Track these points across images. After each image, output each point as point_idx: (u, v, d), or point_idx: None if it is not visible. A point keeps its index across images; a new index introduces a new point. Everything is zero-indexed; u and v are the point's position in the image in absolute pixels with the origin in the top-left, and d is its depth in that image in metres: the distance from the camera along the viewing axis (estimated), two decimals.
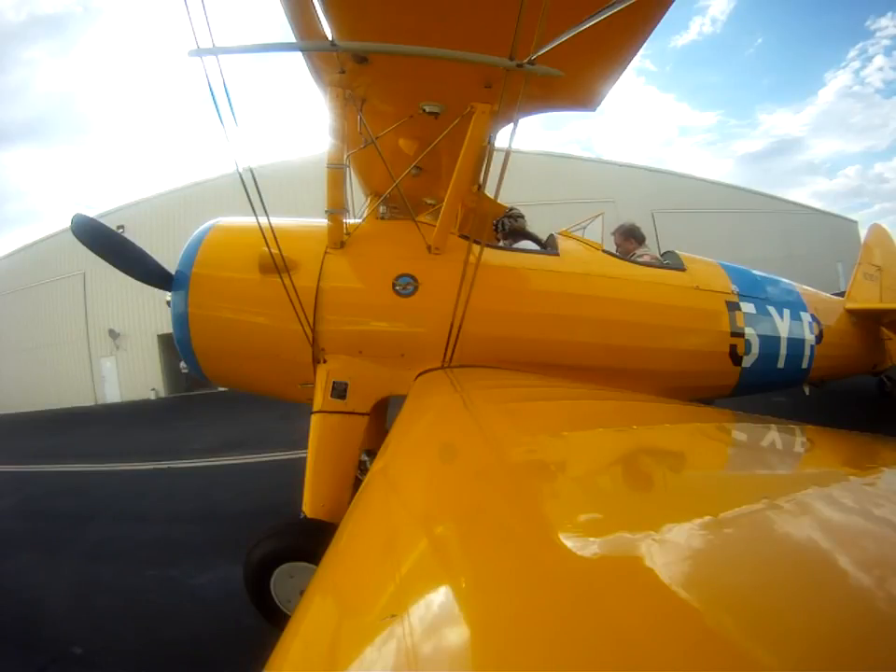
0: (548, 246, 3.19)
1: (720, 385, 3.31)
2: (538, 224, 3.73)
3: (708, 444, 1.34)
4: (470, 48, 1.85)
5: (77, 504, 5.21)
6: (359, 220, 3.06)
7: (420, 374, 2.55)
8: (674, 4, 1.79)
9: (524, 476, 1.00)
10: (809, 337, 3.64)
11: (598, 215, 3.24)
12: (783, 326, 3.48)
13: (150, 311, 17.73)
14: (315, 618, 0.69)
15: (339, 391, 2.62)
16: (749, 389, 3.44)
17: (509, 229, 3.56)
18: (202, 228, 2.97)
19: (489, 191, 2.69)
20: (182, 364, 3.01)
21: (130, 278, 2.93)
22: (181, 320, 2.77)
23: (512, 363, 2.71)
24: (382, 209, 3.32)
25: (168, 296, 2.89)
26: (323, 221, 2.76)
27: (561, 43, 1.71)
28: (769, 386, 3.67)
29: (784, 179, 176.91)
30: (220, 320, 2.79)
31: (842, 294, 4.95)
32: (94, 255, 2.78)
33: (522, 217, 3.64)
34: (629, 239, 3.81)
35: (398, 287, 2.69)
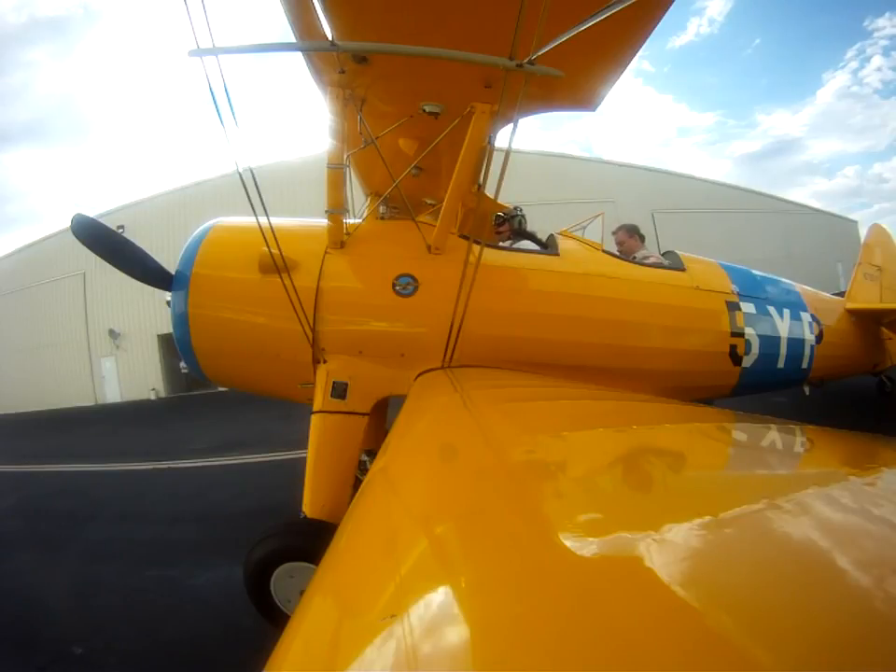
0: (548, 246, 3.19)
1: (720, 384, 3.31)
2: (538, 224, 3.73)
3: (708, 444, 1.34)
4: (470, 48, 1.85)
5: (77, 504, 5.21)
6: (359, 220, 3.06)
7: (420, 374, 2.55)
8: (672, 4, 1.80)
9: (524, 476, 1.00)
10: (809, 337, 3.64)
11: (598, 215, 3.25)
12: (783, 326, 3.48)
13: (150, 311, 17.72)
14: (315, 618, 0.69)
15: (339, 391, 2.62)
16: (748, 389, 3.44)
17: (517, 228, 3.56)
18: (202, 228, 2.97)
19: (489, 191, 2.69)
20: (182, 364, 3.02)
21: (130, 278, 2.93)
22: (181, 320, 2.77)
23: (513, 363, 2.71)
24: (382, 209, 3.32)
25: (168, 296, 2.89)
26: (323, 221, 2.76)
27: (561, 43, 1.71)
28: (769, 386, 3.67)
29: (783, 180, 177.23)
30: (220, 320, 2.79)
31: (842, 294, 4.95)
32: (94, 255, 2.79)
33: (524, 217, 3.65)
34: (633, 236, 3.80)
35: (398, 287, 2.69)
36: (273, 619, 2.25)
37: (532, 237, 3.43)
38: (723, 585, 0.55)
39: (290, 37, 1.96)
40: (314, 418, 2.61)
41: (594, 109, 2.45)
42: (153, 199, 19.59)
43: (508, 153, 2.18)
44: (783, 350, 3.46)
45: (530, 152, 19.41)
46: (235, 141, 2.00)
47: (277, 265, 2.44)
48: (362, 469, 3.03)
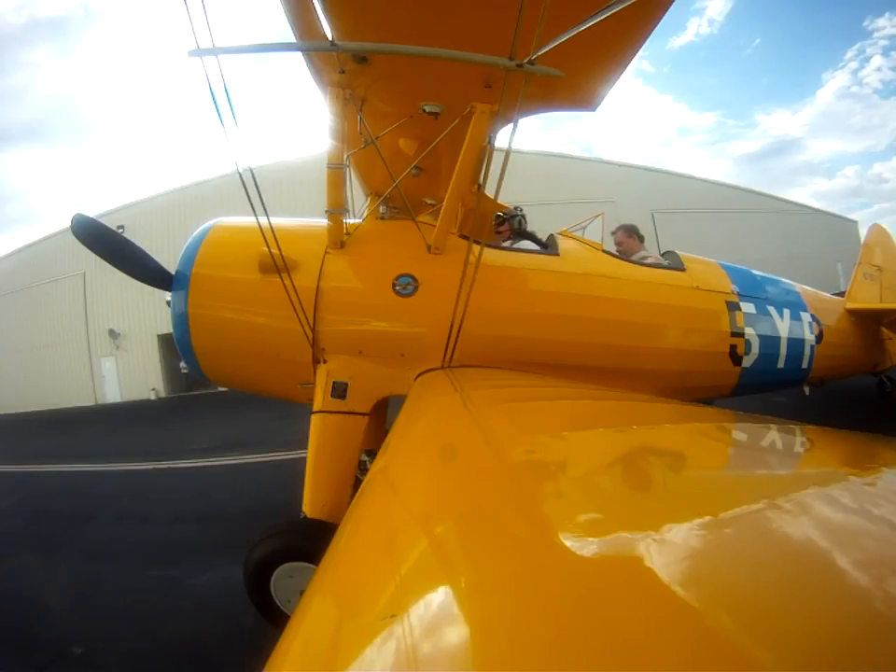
0: (548, 246, 3.19)
1: (720, 384, 3.31)
2: (538, 224, 3.73)
3: (708, 444, 1.34)
4: (470, 48, 1.85)
5: (77, 504, 5.21)
6: (359, 220, 3.07)
7: (420, 374, 2.55)
8: (672, 4, 1.80)
9: (524, 476, 1.00)
10: (809, 337, 3.64)
11: (598, 215, 3.25)
12: (783, 326, 3.48)
13: (150, 311, 17.72)
14: (315, 618, 0.69)
15: (339, 391, 2.62)
16: (748, 389, 3.44)
17: (517, 228, 3.55)
18: (202, 228, 2.97)
19: (489, 191, 2.69)
20: (182, 364, 3.02)
21: (130, 278, 2.93)
22: (181, 320, 2.78)
23: (513, 363, 2.71)
24: (382, 209, 3.32)
25: (168, 296, 2.89)
26: (323, 221, 2.76)
27: (561, 43, 1.71)
28: (769, 386, 3.67)
29: (783, 180, 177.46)
30: (220, 320, 2.79)
31: (842, 294, 4.95)
32: (94, 255, 2.79)
33: (524, 217, 3.65)
34: (632, 236, 3.80)
35: (397, 287, 2.69)
36: (273, 619, 2.25)
37: (532, 237, 3.43)
38: (723, 585, 0.55)
39: (290, 37, 1.96)
40: (314, 418, 2.61)
41: (594, 109, 2.45)
42: (153, 199, 19.56)
43: (508, 153, 2.17)
44: (783, 350, 3.45)
45: (530, 152, 19.39)
46: (235, 141, 2.00)
47: (277, 265, 2.44)
48: (362, 468, 3.03)
